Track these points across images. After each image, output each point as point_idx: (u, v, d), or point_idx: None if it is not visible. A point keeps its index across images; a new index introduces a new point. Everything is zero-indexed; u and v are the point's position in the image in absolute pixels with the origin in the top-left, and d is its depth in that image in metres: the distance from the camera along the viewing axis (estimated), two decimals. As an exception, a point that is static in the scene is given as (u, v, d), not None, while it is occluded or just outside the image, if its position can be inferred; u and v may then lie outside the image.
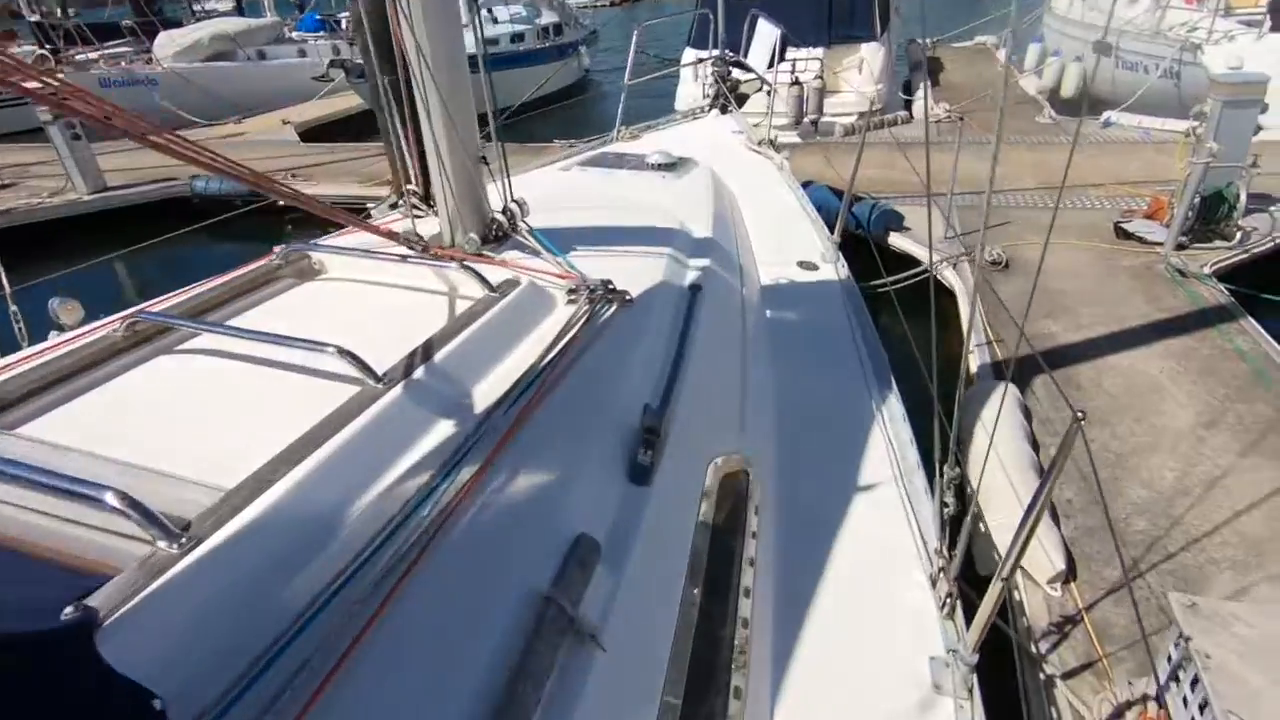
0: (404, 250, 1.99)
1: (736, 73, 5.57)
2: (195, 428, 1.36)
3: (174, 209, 8.79)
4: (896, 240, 5.46)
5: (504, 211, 2.20)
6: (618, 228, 2.58)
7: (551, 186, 3.41)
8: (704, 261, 2.50)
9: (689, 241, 2.62)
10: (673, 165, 3.64)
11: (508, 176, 2.22)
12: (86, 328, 1.63)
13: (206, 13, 18.02)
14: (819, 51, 9.27)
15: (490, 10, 14.52)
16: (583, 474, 1.42)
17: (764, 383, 2.31)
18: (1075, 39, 10.85)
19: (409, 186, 2.37)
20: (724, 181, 3.77)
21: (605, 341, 1.79)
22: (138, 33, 13.89)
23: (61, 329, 1.95)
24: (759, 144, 4.44)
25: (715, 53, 5.44)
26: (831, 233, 3.45)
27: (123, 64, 13.09)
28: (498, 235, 2.23)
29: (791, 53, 8.08)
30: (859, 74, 9.64)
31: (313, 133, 11.74)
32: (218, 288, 1.91)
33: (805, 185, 6.20)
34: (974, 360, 4.10)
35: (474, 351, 1.60)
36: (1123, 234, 5.14)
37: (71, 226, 8.35)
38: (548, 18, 15.43)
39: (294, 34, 15.82)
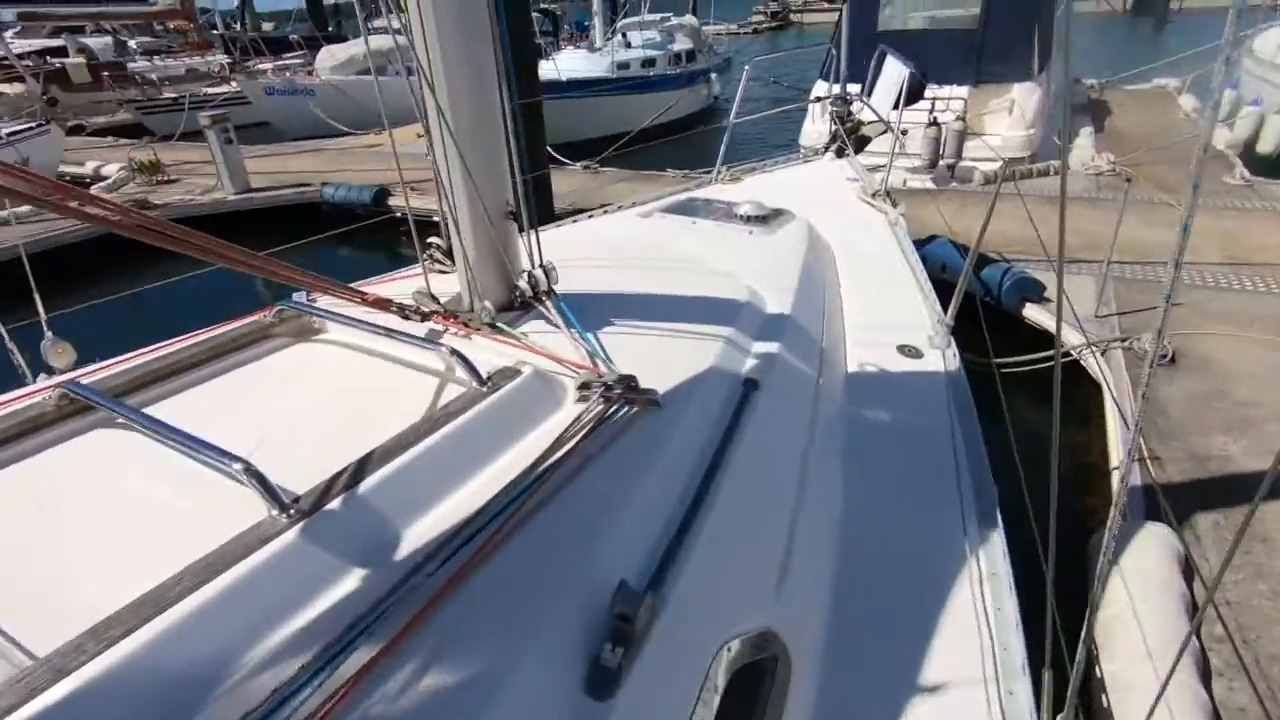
0: (405, 319, 1.71)
1: (862, 112, 5.06)
2: (52, 548, 1.11)
3: (305, 212, 9.31)
4: (1033, 313, 4.71)
5: (528, 277, 1.88)
6: (675, 298, 2.20)
7: (621, 236, 3.08)
8: (772, 347, 2.07)
9: (759, 318, 2.20)
10: (764, 218, 3.22)
11: (536, 234, 1.90)
12: (16, 393, 1.45)
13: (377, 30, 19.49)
14: (963, 90, 8.51)
15: (625, 35, 14.64)
16: (518, 677, 1.04)
17: (823, 519, 1.83)
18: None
19: (433, 240, 2.10)
20: (824, 239, 3.30)
21: (608, 464, 1.41)
22: (304, 46, 15.09)
23: (51, 372, 1.82)
24: (873, 195, 3.92)
25: (835, 90, 4.95)
26: (948, 306, 2.89)
27: (288, 75, 14.25)
28: (523, 302, 1.91)
29: (932, 90, 7.41)
30: (1008, 116, 8.74)
31: (442, 147, 12.17)
32: (201, 344, 1.71)
33: (929, 240, 5.55)
34: (1119, 483, 3.33)
35: (427, 471, 1.27)
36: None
37: (215, 222, 9.01)
38: (681, 44, 15.36)
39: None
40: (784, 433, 1.88)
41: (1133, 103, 11.64)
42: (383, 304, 1.61)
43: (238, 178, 9.07)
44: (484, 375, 1.49)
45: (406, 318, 1.67)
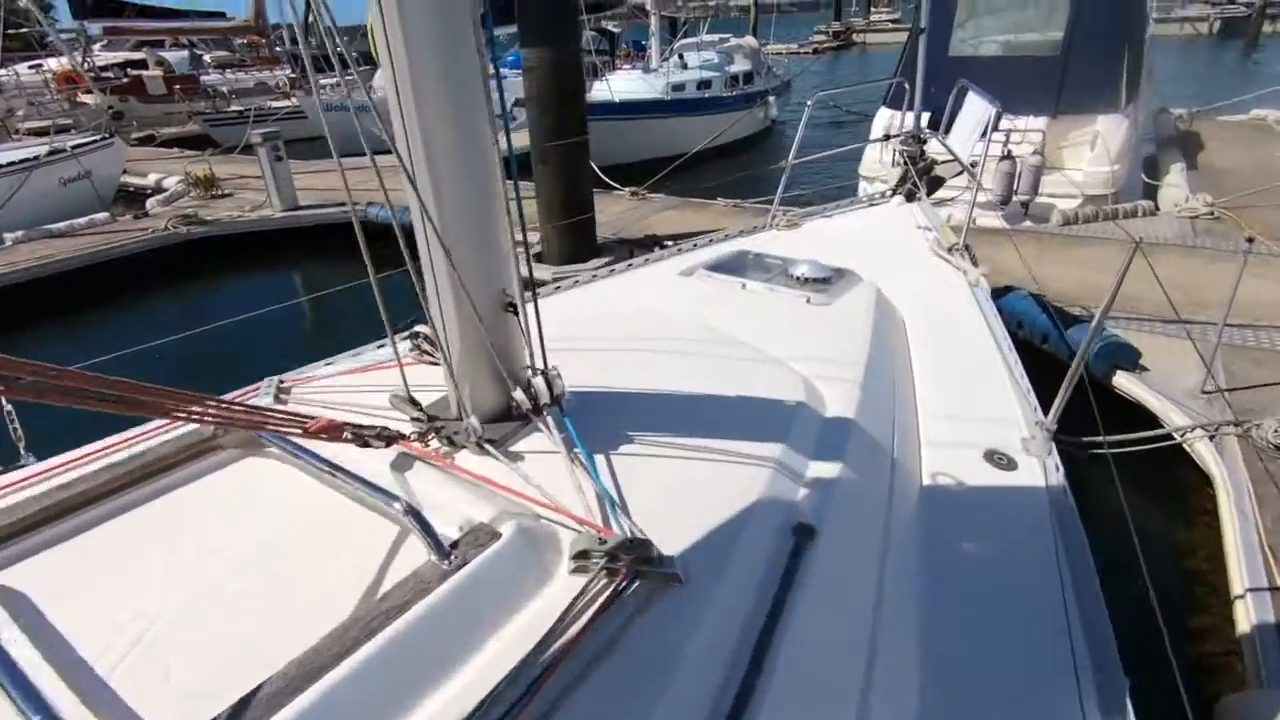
0: (364, 446, 1.36)
1: (934, 149, 4.59)
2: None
3: (350, 230, 9.23)
4: (1126, 383, 4.13)
5: (525, 386, 1.51)
6: (712, 400, 1.81)
7: (656, 302, 2.70)
8: (832, 470, 1.66)
9: (816, 428, 1.79)
10: (824, 281, 2.80)
11: (540, 332, 1.54)
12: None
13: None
14: (1041, 122, 7.89)
15: (681, 56, 14.37)
16: None
17: (897, 710, 1.41)
18: (1406, 124, 8.43)
19: (420, 328, 1.76)
20: (893, 307, 2.86)
21: (612, 669, 1.03)
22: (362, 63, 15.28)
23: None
24: (950, 249, 3.45)
25: (906, 126, 4.49)
26: (1046, 394, 2.42)
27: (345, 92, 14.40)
28: (522, 413, 1.55)
29: (1006, 122, 6.86)
30: (1090, 150, 8.07)
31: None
32: (129, 460, 1.40)
33: (1004, 291, 5.02)
34: (1245, 613, 2.77)
35: (364, 691, 0.92)
36: None
37: (260, 239, 9.02)
38: (739, 65, 15.00)
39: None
40: (847, 598, 1.47)
41: (1227, 136, 10.75)
42: (333, 431, 1.27)
43: (285, 194, 9.06)
44: (447, 545, 1.13)
45: (366, 444, 1.32)
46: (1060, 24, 8.38)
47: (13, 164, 8.79)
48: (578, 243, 6.73)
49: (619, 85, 12.86)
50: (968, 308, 2.98)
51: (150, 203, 9.79)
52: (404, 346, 1.79)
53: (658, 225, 7.89)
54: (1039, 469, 2.12)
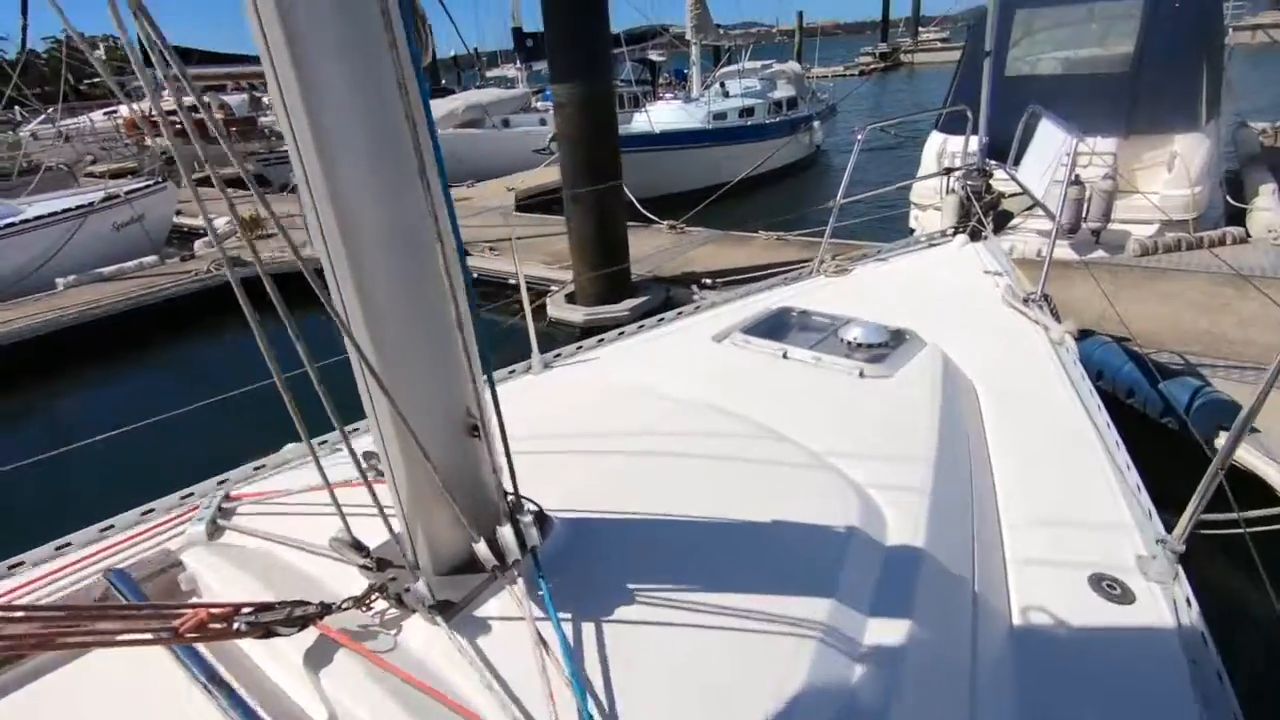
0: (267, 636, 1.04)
1: (1002, 181, 4.15)
2: None
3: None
4: (1237, 450, 3.57)
5: (490, 534, 1.18)
6: (740, 530, 1.45)
7: (681, 378, 2.35)
8: (897, 630, 1.28)
9: (875, 570, 1.41)
10: (881, 346, 2.41)
11: (511, 466, 1.21)
12: None
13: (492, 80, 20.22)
14: (1111, 143, 7.31)
15: (723, 84, 14.14)
16: None
17: None
18: None
19: (372, 450, 1.45)
20: (964, 378, 2.44)
21: None
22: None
23: None
24: (1026, 299, 3.01)
25: (964, 153, 4.07)
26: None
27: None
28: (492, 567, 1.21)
29: (1075, 145, 6.33)
30: (1168, 173, 7.43)
31: (530, 200, 11.99)
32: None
33: (1082, 337, 4.50)
34: None
35: None
36: None
37: (300, 278, 9.03)
38: (783, 91, 14.71)
39: (539, 104, 16.82)
40: None
41: (1319, 151, 9.89)
42: (219, 626, 0.95)
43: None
44: None
45: (270, 634, 0.99)
46: (1126, 37, 7.82)
47: (69, 210, 9.05)
48: (611, 282, 6.45)
49: (659, 115, 12.69)
50: (1053, 374, 2.54)
51: (198, 244, 9.97)
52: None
53: (697, 261, 7.57)
54: (1164, 601, 1.68)
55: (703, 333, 2.68)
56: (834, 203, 3.70)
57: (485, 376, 1.17)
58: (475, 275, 8.35)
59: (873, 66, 42.13)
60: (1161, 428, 3.89)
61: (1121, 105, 7.57)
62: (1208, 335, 4.76)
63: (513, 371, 2.71)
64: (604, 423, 1.93)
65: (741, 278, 6.56)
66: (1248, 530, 2.74)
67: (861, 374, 2.25)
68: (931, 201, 7.91)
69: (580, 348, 2.86)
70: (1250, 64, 26.90)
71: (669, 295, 6.76)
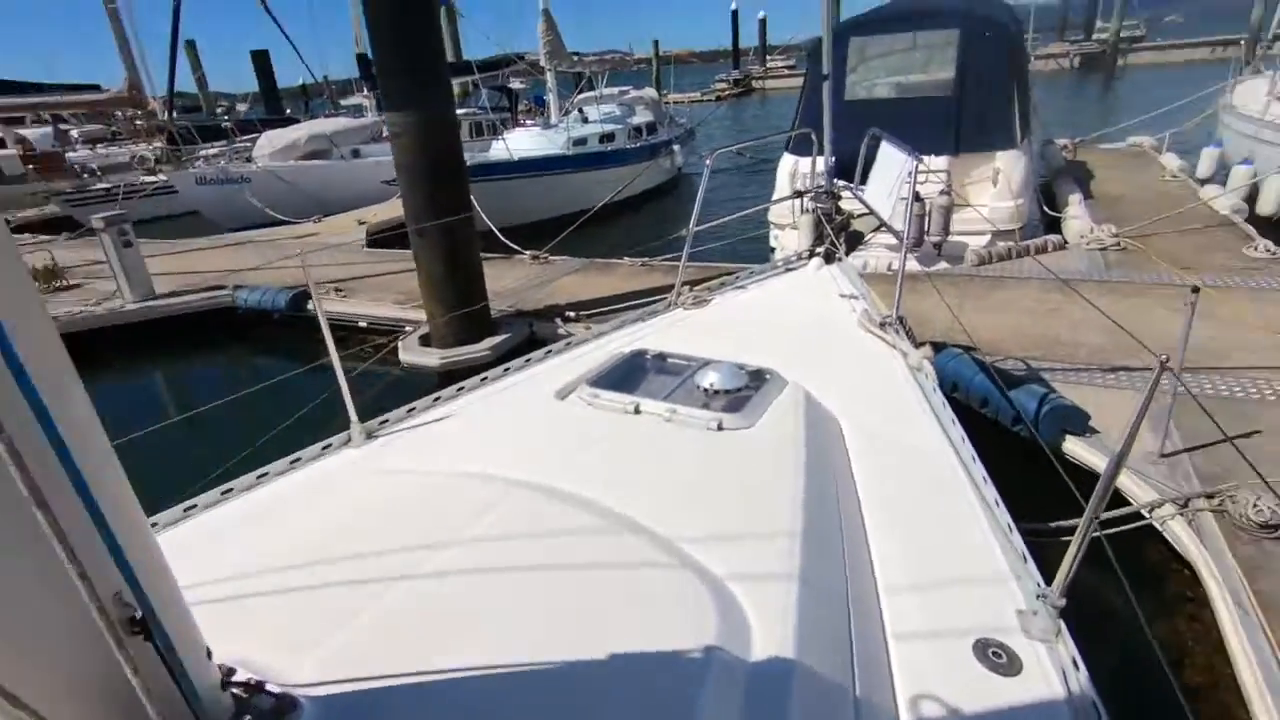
0: None
1: (851, 201, 4.16)
2: None
3: (218, 318, 8.23)
4: (1078, 450, 3.71)
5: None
6: (573, 671, 1.13)
7: (512, 459, 2.01)
8: None
9: (738, 698, 1.14)
10: (740, 392, 2.20)
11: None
12: None
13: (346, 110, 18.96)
14: (944, 160, 7.81)
15: (581, 110, 14.06)
16: None
17: None
18: (1275, 145, 8.81)
19: None
20: (826, 416, 2.28)
21: None
22: (230, 135, 14.33)
23: None
24: (883, 324, 2.94)
25: (812, 175, 4.05)
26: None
27: (221, 163, 13.39)
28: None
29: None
30: (993, 187, 8.03)
31: (383, 234, 11.25)
32: None
33: (936, 350, 4.61)
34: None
35: None
36: None
37: (116, 334, 7.89)
38: (641, 117, 14.84)
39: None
40: None
41: (1111, 163, 11.14)
42: None
43: (138, 283, 7.99)
44: None
45: None
46: (947, 65, 8.42)
47: None
48: (468, 321, 6.01)
49: (518, 143, 12.37)
50: (915, 404, 2.43)
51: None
52: None
53: (561, 292, 7.27)
54: (1051, 666, 1.53)
55: (548, 388, 2.37)
56: (687, 231, 3.53)
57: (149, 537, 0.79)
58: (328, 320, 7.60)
59: (728, 93, 44.06)
60: (1015, 435, 4.00)
61: (950, 126, 8.10)
62: (1044, 340, 5.04)
63: (328, 446, 2.28)
64: (411, 528, 1.56)
65: (606, 310, 6.34)
66: (1103, 533, 2.77)
67: (720, 426, 2.02)
68: (789, 221, 8.11)
69: (412, 410, 2.46)
70: (1044, 89, 30.59)
71: (532, 331, 6.41)
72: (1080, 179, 9.92)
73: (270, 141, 13.80)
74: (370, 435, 2.32)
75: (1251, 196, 8.44)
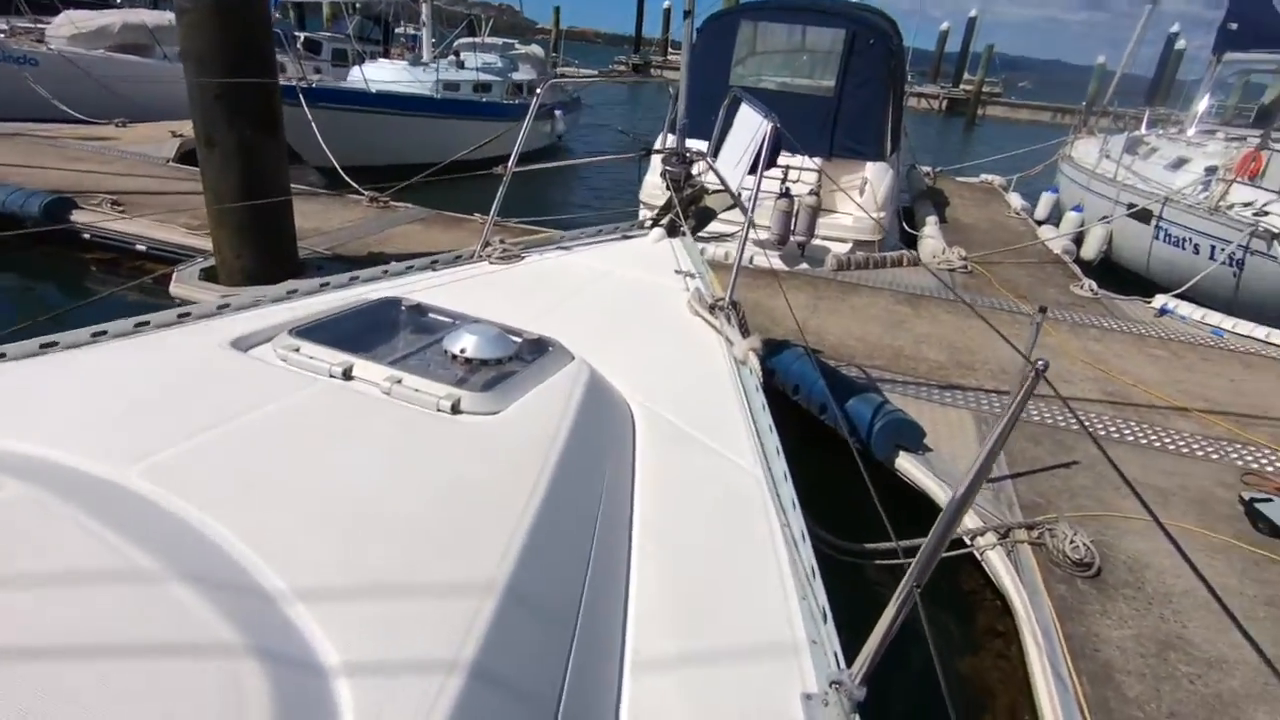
0: None
1: (703, 173, 3.71)
2: None
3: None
4: (910, 468, 3.50)
5: None
6: None
7: (60, 431, 1.29)
8: None
9: None
10: (501, 364, 1.63)
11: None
12: None
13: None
14: (817, 162, 7.69)
15: (458, 54, 12.91)
16: None
17: None
18: (1102, 197, 9.52)
19: None
20: (615, 402, 1.76)
21: None
22: (22, 7, 11.87)
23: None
24: (713, 307, 2.47)
25: (668, 143, 3.57)
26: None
27: (1, 38, 10.98)
28: None
29: (784, 157, 6.42)
30: (859, 196, 8.02)
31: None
32: None
33: (780, 347, 4.29)
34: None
35: None
36: (1263, 522, 3.27)
37: None
38: (524, 74, 13.89)
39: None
40: None
41: (965, 194, 11.72)
42: None
43: None
44: None
45: None
46: (828, 73, 8.34)
47: None
48: (267, 256, 5.03)
49: (376, 74, 11.06)
50: (730, 402, 1.97)
51: None
52: None
53: (393, 241, 6.39)
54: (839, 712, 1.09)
55: (236, 333, 1.66)
56: (506, 169, 2.91)
57: None
58: (87, 237, 6.20)
59: (624, 74, 43.43)
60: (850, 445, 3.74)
61: (826, 127, 8.00)
62: (889, 350, 4.90)
63: None
64: None
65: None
66: (906, 561, 2.49)
67: (454, 407, 1.44)
68: (659, 201, 7.68)
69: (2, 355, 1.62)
70: (915, 122, 32.67)
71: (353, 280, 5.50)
72: (938, 204, 10.29)
73: (72, 22, 11.48)
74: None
75: (1079, 239, 9.05)
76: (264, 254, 5.02)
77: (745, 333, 2.43)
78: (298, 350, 1.56)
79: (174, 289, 5.00)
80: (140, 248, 6.06)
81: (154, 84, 11.66)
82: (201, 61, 4.45)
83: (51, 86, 10.56)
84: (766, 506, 1.59)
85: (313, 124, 8.31)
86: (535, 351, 1.76)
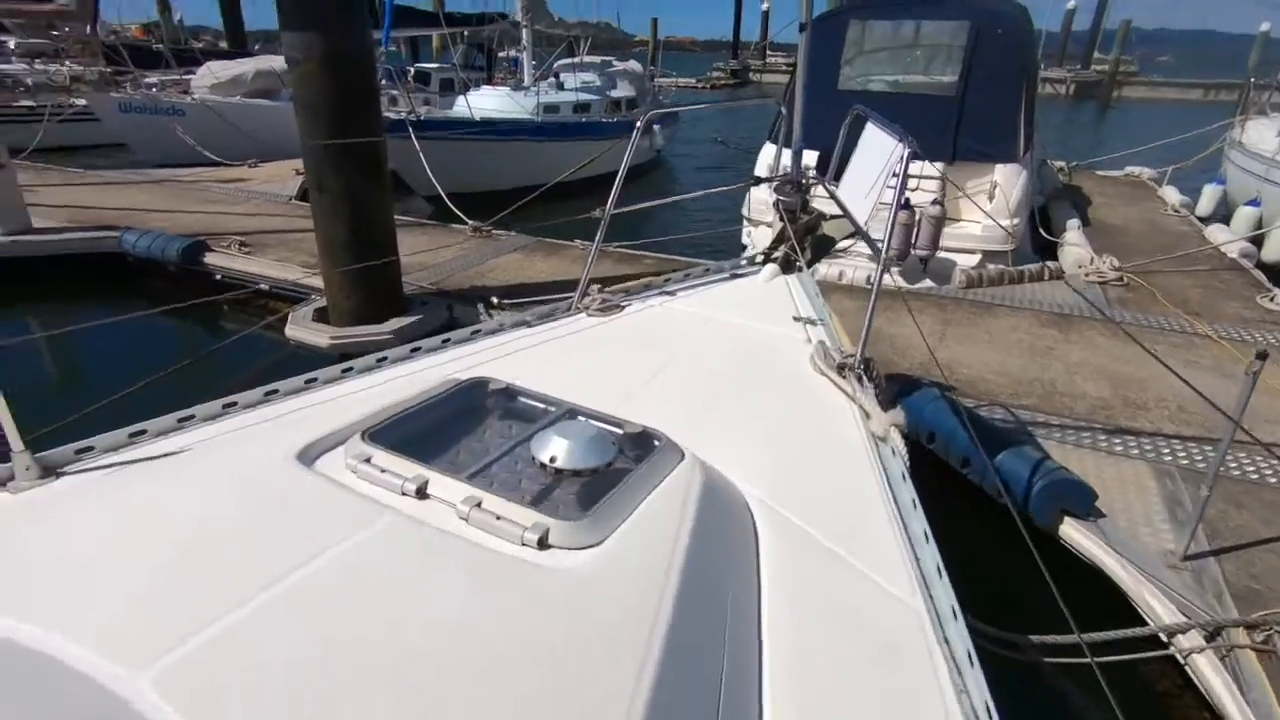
0: None
1: (821, 200, 3.34)
2: None
3: (106, 264, 7.13)
4: (1079, 539, 2.94)
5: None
6: None
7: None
8: None
9: None
10: (598, 475, 1.36)
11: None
12: None
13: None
14: (939, 168, 7.02)
15: (558, 75, 13.03)
16: None
17: None
18: (1283, 187, 8.21)
19: None
20: (732, 515, 1.44)
21: None
22: (171, 62, 13.03)
23: None
24: (842, 367, 2.10)
25: (782, 167, 3.21)
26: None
27: (154, 91, 12.11)
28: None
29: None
30: (989, 202, 7.27)
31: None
32: None
33: (911, 386, 3.81)
34: None
35: None
36: None
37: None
38: (622, 91, 13.84)
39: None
40: None
41: (1109, 191, 10.49)
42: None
43: (10, 215, 6.87)
44: None
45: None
46: (949, 69, 7.65)
47: None
48: (373, 296, 5.08)
49: (481, 102, 11.31)
50: (872, 498, 1.60)
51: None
52: None
53: (495, 272, 6.35)
54: None
55: (299, 440, 1.46)
56: (602, 212, 2.66)
57: None
58: (219, 278, 6.57)
59: (722, 82, 43.02)
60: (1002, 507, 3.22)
61: (949, 130, 7.33)
62: (1039, 385, 4.27)
63: None
64: None
65: (542, 298, 5.43)
66: (1094, 660, 1.99)
67: (541, 541, 1.17)
68: (765, 218, 7.28)
69: (89, 449, 1.50)
70: (1040, 110, 30.20)
71: (451, 313, 5.50)
72: (1077, 204, 9.24)
73: (213, 73, 12.52)
74: (50, 472, 1.43)
75: (1259, 240, 7.82)
76: (370, 293, 5.07)
77: (881, 396, 2.05)
78: (369, 460, 1.35)
79: (289, 331, 5.14)
80: (263, 286, 6.34)
81: (282, 124, 12.49)
82: (311, 109, 4.53)
83: (196, 133, 11.52)
84: (933, 656, 1.22)
85: (420, 155, 8.52)
86: (639, 447, 1.48)
